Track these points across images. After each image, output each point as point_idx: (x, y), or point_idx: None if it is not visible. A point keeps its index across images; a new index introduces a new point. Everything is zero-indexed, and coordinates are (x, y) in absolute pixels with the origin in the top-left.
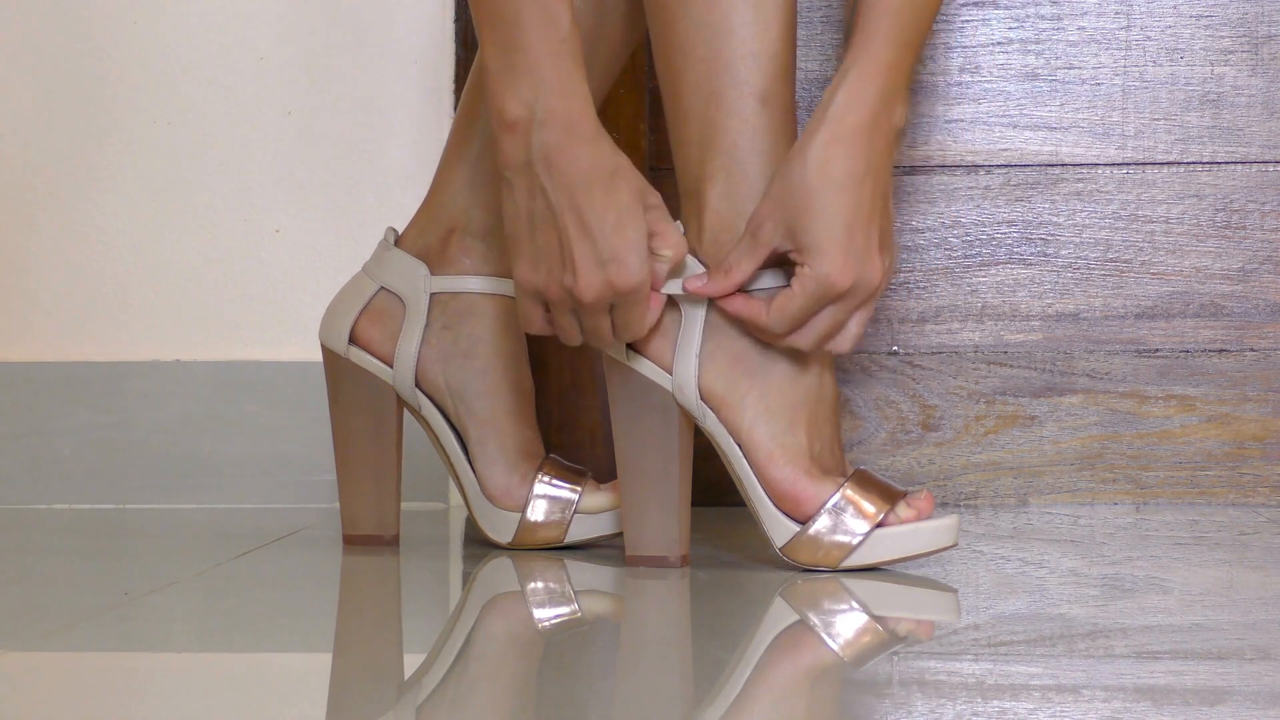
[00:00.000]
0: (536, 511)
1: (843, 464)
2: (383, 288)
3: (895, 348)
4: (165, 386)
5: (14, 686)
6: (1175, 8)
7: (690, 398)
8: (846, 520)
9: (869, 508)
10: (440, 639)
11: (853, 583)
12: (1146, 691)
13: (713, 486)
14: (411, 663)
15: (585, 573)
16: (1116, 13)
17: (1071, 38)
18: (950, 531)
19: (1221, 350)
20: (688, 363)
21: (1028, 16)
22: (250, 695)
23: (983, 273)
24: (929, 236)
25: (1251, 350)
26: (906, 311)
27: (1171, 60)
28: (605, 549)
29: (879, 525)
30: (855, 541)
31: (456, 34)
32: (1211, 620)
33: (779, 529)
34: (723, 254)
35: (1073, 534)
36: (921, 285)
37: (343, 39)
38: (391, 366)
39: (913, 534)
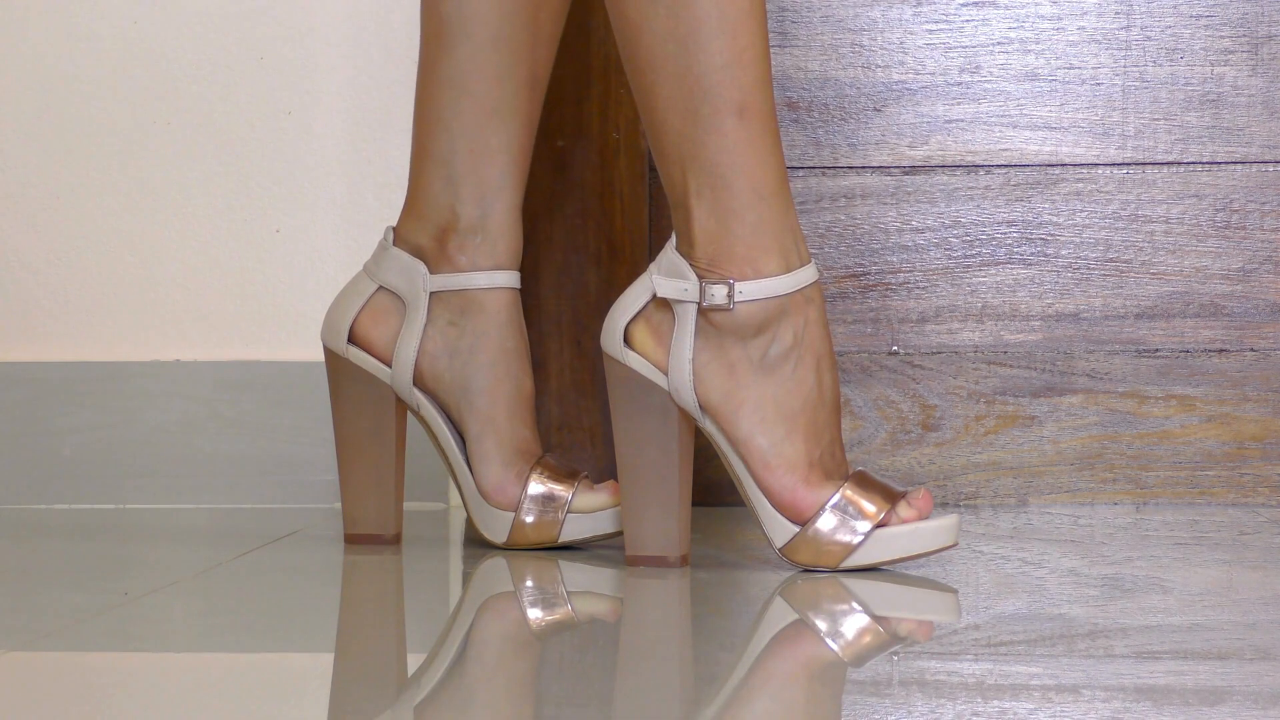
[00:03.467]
0: (529, 510)
1: (844, 466)
2: (381, 287)
3: (895, 348)
4: (165, 386)
5: (14, 686)
6: (1175, 8)
7: (688, 401)
8: (847, 520)
9: (869, 507)
10: (440, 639)
11: (852, 583)
12: (1146, 691)
13: (713, 486)
14: (412, 663)
15: (584, 573)
16: (1116, 13)
17: (1071, 38)
18: (950, 531)
19: (1221, 350)
20: (681, 367)
21: (1028, 16)
22: (250, 695)
23: (983, 273)
24: (929, 236)
25: (1251, 350)
26: (906, 311)
27: (1171, 60)
28: (604, 549)
29: (879, 525)
30: (856, 541)
31: None
32: (1211, 620)
33: (779, 529)
34: (714, 266)
35: (1073, 534)
36: (921, 285)
37: (342, 38)
38: (390, 366)
39: (913, 534)
